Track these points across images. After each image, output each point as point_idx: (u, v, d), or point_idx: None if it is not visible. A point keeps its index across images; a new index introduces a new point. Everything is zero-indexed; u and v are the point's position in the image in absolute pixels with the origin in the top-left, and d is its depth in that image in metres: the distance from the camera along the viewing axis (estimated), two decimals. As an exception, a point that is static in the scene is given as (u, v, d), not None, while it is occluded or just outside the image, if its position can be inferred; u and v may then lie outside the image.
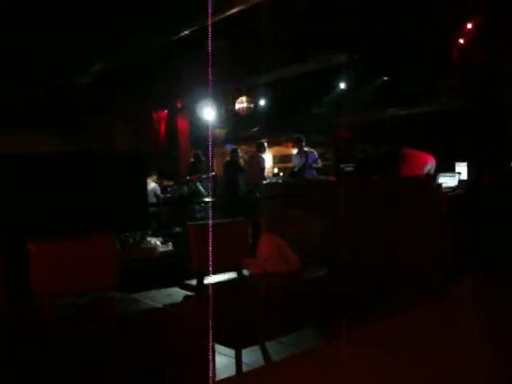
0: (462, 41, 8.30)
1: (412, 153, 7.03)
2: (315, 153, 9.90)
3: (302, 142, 9.93)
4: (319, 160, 9.77)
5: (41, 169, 4.58)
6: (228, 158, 11.40)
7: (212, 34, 4.00)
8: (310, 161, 9.49)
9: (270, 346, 3.90)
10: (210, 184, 10.37)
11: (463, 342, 3.71)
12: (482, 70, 7.76)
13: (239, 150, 11.26)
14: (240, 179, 10.24)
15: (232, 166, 10.59)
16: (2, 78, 9.14)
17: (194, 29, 7.14)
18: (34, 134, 10.35)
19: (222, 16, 6.61)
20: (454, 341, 3.66)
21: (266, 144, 10.73)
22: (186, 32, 7.31)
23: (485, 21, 7.77)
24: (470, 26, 8.12)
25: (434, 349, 3.40)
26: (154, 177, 10.22)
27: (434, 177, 6.80)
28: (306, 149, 9.87)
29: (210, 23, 5.88)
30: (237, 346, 3.57)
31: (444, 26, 8.21)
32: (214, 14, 6.31)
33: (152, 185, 9.77)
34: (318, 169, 9.62)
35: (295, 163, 10.11)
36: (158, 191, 10.08)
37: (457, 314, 4.48)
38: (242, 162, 11.02)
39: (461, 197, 6.63)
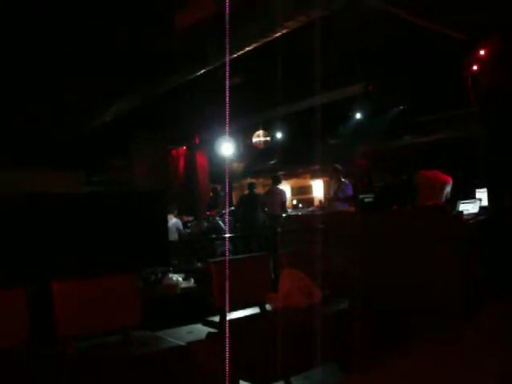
0: (477, 67, 8.30)
1: (429, 177, 7.02)
2: (350, 184, 9.24)
3: (339, 171, 9.27)
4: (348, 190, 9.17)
5: (63, 208, 4.66)
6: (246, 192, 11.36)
7: (229, 71, 4.09)
8: (349, 191, 9.13)
9: (295, 380, 3.85)
10: (228, 218, 10.38)
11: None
12: (499, 96, 7.75)
13: (256, 184, 11.20)
14: (258, 213, 10.20)
15: (249, 199, 10.55)
16: (26, 122, 9.42)
17: (210, 68, 7.27)
18: (55, 176, 10.54)
19: (238, 53, 6.74)
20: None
21: (280, 176, 10.63)
22: (203, 71, 7.45)
23: (501, 45, 7.78)
24: (485, 51, 8.12)
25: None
26: (176, 212, 10.29)
27: (455, 203, 6.76)
28: (343, 179, 9.18)
29: (227, 60, 6.01)
30: (261, 382, 3.53)
31: (459, 52, 8.25)
32: (230, 51, 6.44)
33: (173, 220, 9.84)
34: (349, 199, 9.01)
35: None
36: (180, 226, 10.13)
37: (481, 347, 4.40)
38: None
39: (483, 223, 6.56)
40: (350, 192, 9.08)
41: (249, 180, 13.87)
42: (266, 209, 10.14)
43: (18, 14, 6.45)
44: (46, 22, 6.73)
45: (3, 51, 7.04)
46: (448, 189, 6.97)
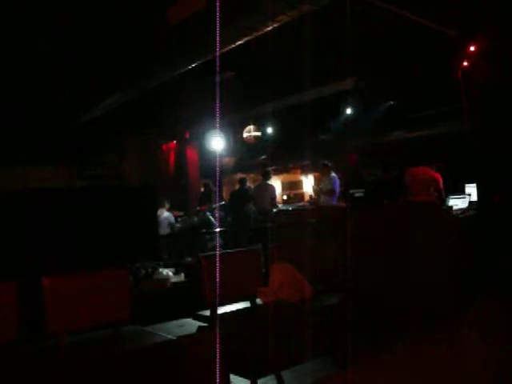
0: (467, 63, 8.33)
1: (418, 173, 7.06)
2: (337, 179, 9.41)
3: (329, 167, 9.45)
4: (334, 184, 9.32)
5: (52, 203, 4.63)
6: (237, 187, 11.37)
7: (219, 66, 4.07)
8: (334, 186, 9.15)
9: (286, 374, 3.86)
10: (219, 213, 10.36)
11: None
12: (489, 92, 7.79)
13: (247, 179, 11.20)
14: (249, 208, 10.20)
15: (240, 194, 10.55)
16: (18, 120, 9.38)
17: (201, 62, 7.24)
18: (46, 171, 10.49)
19: (229, 48, 6.71)
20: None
21: (270, 171, 10.62)
22: (194, 65, 7.42)
23: (490, 42, 7.82)
24: (474, 47, 8.14)
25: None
26: (168, 206, 10.27)
27: (444, 198, 6.81)
28: (333, 174, 9.36)
29: (218, 55, 5.98)
30: (252, 375, 3.54)
31: (450, 48, 8.27)
32: (221, 46, 6.42)
33: (165, 214, 9.82)
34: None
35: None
36: (172, 220, 10.10)
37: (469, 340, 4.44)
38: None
39: (473, 218, 6.61)
40: (335, 187, 9.10)
41: (239, 175, 13.85)
42: (256, 204, 10.13)
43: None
44: (34, 18, 6.68)
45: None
46: (436, 185, 7.02)
